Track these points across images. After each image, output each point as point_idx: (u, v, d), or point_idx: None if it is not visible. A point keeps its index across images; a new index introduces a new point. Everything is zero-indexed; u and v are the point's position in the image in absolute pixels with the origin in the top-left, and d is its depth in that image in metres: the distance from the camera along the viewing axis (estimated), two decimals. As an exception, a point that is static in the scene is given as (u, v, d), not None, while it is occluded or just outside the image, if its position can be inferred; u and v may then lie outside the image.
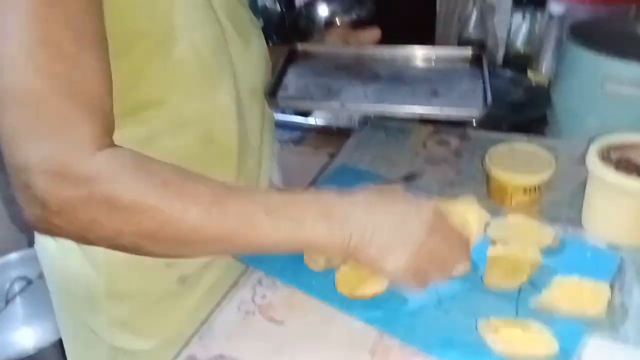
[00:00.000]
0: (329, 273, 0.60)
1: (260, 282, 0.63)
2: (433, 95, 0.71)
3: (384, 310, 0.57)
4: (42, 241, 0.68)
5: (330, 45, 0.82)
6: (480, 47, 1.25)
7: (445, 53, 0.80)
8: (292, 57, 0.80)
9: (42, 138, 0.44)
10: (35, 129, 0.44)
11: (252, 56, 0.67)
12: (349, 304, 0.58)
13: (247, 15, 0.68)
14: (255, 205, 0.50)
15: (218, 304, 0.60)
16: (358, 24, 1.17)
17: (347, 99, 0.70)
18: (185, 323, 0.63)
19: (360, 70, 0.77)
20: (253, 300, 0.60)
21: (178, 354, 0.54)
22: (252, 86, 0.67)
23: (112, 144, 0.48)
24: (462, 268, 0.56)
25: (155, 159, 0.49)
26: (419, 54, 0.80)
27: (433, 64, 0.79)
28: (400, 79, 0.74)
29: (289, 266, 0.63)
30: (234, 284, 0.63)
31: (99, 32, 0.48)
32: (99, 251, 0.61)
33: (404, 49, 0.80)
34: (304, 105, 0.74)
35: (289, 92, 0.73)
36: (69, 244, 0.63)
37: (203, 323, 0.58)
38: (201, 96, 0.59)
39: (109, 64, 0.49)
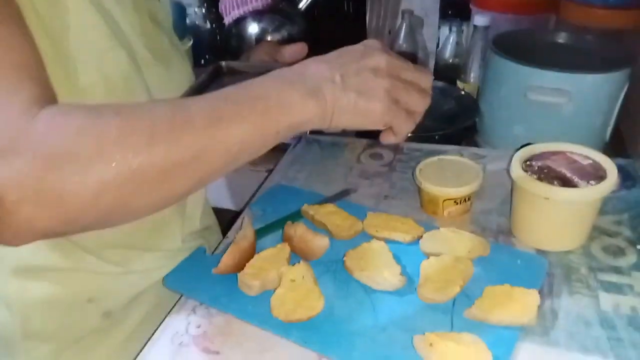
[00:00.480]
0: (265, 298, 0.59)
1: (194, 310, 0.61)
2: None
3: (322, 333, 0.56)
4: None
5: (256, 63, 0.81)
6: (412, 60, 1.29)
7: None
8: (216, 75, 0.78)
9: None
10: None
11: (173, 80, 0.65)
12: (286, 328, 0.57)
13: (166, 39, 0.66)
14: (214, 100, 0.47)
15: (150, 338, 0.58)
16: (289, 41, 1.17)
17: None
18: None
19: None
20: (187, 331, 0.58)
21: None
22: None
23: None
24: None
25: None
26: None
27: None
28: None
29: (223, 293, 0.61)
30: (167, 315, 0.61)
31: (16, 12, 0.45)
32: (11, 290, 0.58)
33: None
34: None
35: None
36: None
37: (135, 358, 0.56)
38: None
39: (33, 40, 0.45)
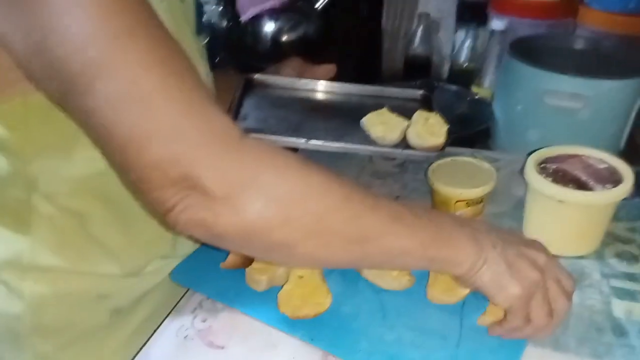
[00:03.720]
0: (272, 294, 0.59)
1: (200, 305, 0.61)
2: None
3: (328, 330, 0.56)
4: None
5: (286, 78, 0.82)
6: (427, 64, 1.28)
7: (398, 93, 0.83)
8: (247, 87, 0.79)
9: (180, 129, 0.42)
10: (165, 122, 0.43)
11: None
12: (292, 325, 0.56)
13: (194, 42, 0.65)
14: (397, 204, 0.51)
15: (155, 330, 0.57)
16: (304, 41, 1.18)
17: (308, 135, 0.69)
18: (118, 356, 0.59)
19: (317, 105, 0.78)
20: (192, 325, 0.58)
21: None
22: None
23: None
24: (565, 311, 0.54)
25: None
26: (372, 93, 0.83)
27: (387, 102, 0.81)
28: (357, 116, 0.73)
29: (230, 287, 0.61)
30: (173, 308, 0.61)
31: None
32: (25, 285, 0.57)
33: (358, 87, 0.82)
34: (268, 140, 0.73)
35: (248, 124, 0.72)
36: None
37: (139, 351, 0.55)
38: None
39: None
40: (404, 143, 0.69)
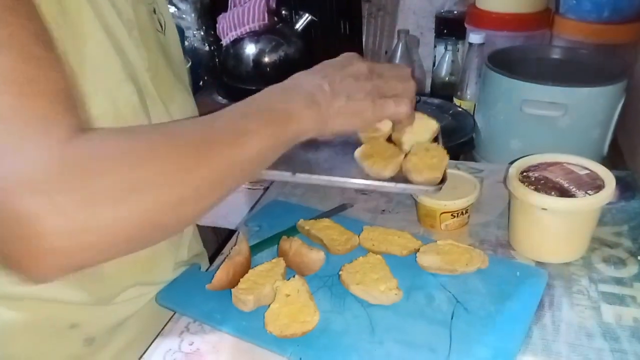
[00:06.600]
0: (259, 313, 0.58)
1: (187, 328, 0.60)
2: None
3: (317, 348, 0.55)
4: None
5: None
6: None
7: None
8: None
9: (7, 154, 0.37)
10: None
11: (175, 115, 0.64)
12: (281, 344, 0.55)
13: (171, 73, 0.65)
14: (233, 115, 0.50)
15: (141, 357, 0.56)
16: (285, 62, 1.18)
17: (298, 166, 0.64)
18: None
19: None
20: (180, 349, 0.57)
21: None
22: None
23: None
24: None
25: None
26: None
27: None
28: (349, 146, 0.68)
29: (217, 309, 0.60)
30: (160, 333, 0.60)
31: (52, 38, 0.43)
32: None
33: None
34: None
35: None
36: None
37: (125, 378, 0.54)
38: None
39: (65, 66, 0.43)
40: (399, 175, 0.62)
